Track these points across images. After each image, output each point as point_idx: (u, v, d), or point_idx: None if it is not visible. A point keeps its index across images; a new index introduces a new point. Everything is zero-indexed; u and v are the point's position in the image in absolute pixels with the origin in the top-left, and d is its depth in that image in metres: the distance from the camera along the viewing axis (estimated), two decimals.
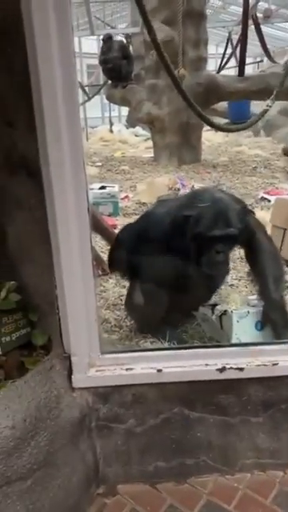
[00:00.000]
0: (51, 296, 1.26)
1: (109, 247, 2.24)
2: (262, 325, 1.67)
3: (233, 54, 8.22)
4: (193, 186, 4.18)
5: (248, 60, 7.99)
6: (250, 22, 6.61)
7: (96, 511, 1.32)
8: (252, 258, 1.79)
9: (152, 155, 6.71)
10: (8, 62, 1.09)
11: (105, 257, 2.31)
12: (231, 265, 2.10)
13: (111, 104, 9.40)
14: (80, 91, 8.03)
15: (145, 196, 4.16)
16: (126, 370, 1.33)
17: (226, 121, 7.68)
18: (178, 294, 1.76)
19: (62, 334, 1.29)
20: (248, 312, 1.67)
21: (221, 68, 8.55)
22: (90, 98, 8.41)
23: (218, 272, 1.77)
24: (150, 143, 7.05)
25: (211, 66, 8.64)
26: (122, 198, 4.18)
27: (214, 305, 1.79)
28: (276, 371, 1.33)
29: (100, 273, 2.38)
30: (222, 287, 1.98)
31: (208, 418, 1.38)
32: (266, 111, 3.69)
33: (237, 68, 6.14)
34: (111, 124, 10.27)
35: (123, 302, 2.09)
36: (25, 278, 1.30)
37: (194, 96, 3.20)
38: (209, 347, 1.51)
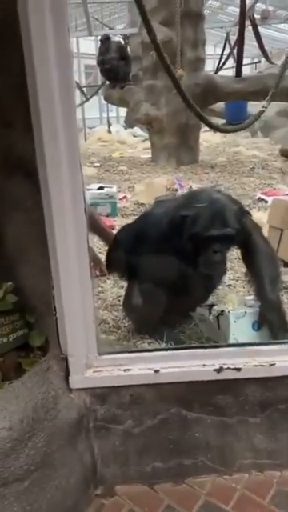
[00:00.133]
0: (48, 297, 1.26)
1: (107, 248, 2.24)
2: (259, 325, 1.67)
3: (230, 54, 8.23)
4: (191, 187, 4.18)
5: (246, 61, 8.03)
6: (248, 23, 6.64)
7: None
8: (248, 258, 1.79)
9: (150, 156, 6.71)
10: (5, 62, 1.09)
11: (103, 257, 2.31)
12: (228, 265, 2.11)
13: (109, 105, 9.42)
14: (78, 92, 8.07)
15: (143, 196, 4.17)
16: (124, 370, 1.33)
17: (224, 121, 7.70)
18: (176, 295, 1.76)
19: (59, 335, 1.29)
20: (245, 312, 1.68)
21: (219, 69, 8.57)
22: (88, 99, 8.41)
23: (215, 272, 1.78)
24: (148, 144, 7.05)
25: (209, 66, 8.66)
26: (120, 199, 4.18)
27: (212, 305, 1.80)
28: (273, 371, 1.34)
29: (98, 273, 2.38)
30: (220, 287, 1.99)
31: (206, 418, 1.38)
32: (262, 112, 3.72)
33: (235, 69, 6.15)
34: (109, 125, 10.28)
35: (121, 303, 2.09)
36: (22, 279, 1.30)
37: (192, 96, 3.20)
38: (206, 348, 1.51)
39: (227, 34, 8.59)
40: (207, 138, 8.10)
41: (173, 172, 5.60)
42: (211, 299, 1.90)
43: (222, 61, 8.62)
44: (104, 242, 2.42)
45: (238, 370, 1.32)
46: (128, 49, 7.12)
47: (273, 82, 3.97)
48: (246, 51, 7.01)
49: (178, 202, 1.80)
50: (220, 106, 7.71)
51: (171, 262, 1.75)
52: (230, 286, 2.30)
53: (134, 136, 9.71)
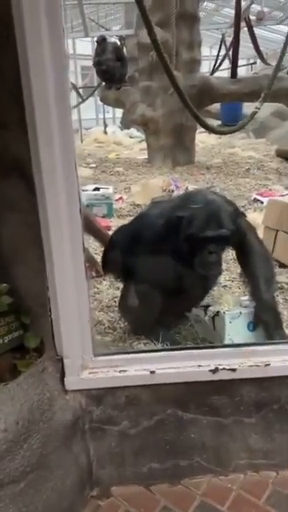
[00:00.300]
0: (43, 298, 1.26)
1: (102, 249, 2.24)
2: (254, 325, 1.68)
3: (226, 55, 8.26)
4: (187, 188, 4.19)
5: (241, 62, 8.06)
6: (243, 24, 6.67)
7: None
8: (243, 259, 1.80)
9: (146, 157, 6.72)
10: None
11: (98, 258, 2.31)
12: (224, 266, 2.11)
13: (105, 106, 9.41)
14: (74, 93, 8.07)
15: (139, 197, 4.17)
16: (120, 371, 1.33)
17: (219, 123, 7.72)
18: (172, 296, 1.76)
19: (55, 337, 1.29)
20: (240, 313, 1.68)
21: (214, 70, 8.59)
22: (84, 100, 8.41)
23: (210, 273, 1.78)
24: (145, 145, 7.06)
25: (205, 67, 8.69)
26: (117, 200, 4.18)
27: (207, 306, 1.80)
28: (268, 372, 1.34)
29: (94, 274, 2.38)
30: (215, 288, 1.99)
31: (201, 419, 1.39)
32: (254, 113, 3.75)
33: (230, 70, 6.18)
34: (105, 126, 10.27)
35: (117, 304, 2.09)
36: (17, 280, 1.30)
37: (188, 98, 3.21)
38: (202, 348, 1.52)
39: (223, 35, 8.63)
40: (203, 139, 8.11)
41: (169, 173, 5.61)
42: (207, 300, 1.91)
43: (218, 62, 8.65)
44: (100, 243, 2.42)
45: (234, 370, 1.33)
46: (124, 50, 7.12)
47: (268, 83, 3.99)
48: (242, 52, 7.04)
49: (173, 203, 1.81)
50: (216, 107, 7.74)
51: (167, 262, 1.75)
52: (225, 286, 2.31)
53: (130, 137, 9.72)
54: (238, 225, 1.70)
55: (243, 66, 10.11)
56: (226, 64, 8.23)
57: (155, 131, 6.35)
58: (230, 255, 2.29)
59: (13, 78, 1.08)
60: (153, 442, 1.39)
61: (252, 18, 7.66)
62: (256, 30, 7.64)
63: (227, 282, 2.36)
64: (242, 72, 8.24)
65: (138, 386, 1.34)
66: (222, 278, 2.28)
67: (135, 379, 1.33)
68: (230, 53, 6.63)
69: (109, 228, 2.92)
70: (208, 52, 10.65)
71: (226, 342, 1.64)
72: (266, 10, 8.51)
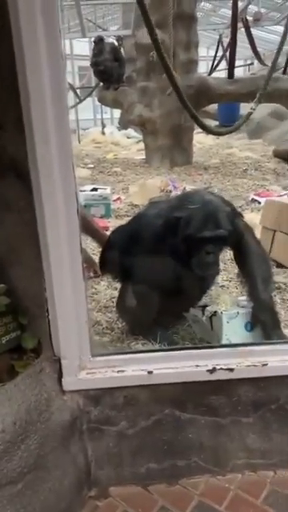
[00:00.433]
0: (41, 299, 1.26)
1: (100, 249, 2.24)
2: (251, 325, 1.68)
3: (223, 56, 8.27)
4: (184, 188, 4.19)
5: (239, 63, 8.07)
6: (241, 25, 6.68)
7: None
8: (241, 259, 1.81)
9: (144, 157, 6.72)
10: None
11: (96, 259, 2.31)
12: (221, 266, 2.12)
13: (103, 106, 9.42)
14: (72, 93, 8.07)
15: (137, 198, 4.17)
16: (117, 372, 1.33)
17: (217, 123, 7.73)
18: (169, 296, 1.76)
19: (52, 337, 1.29)
20: (238, 313, 1.68)
21: (212, 70, 8.60)
22: (81, 100, 8.41)
23: (208, 273, 1.79)
24: (142, 145, 7.06)
25: (202, 68, 8.70)
26: (114, 200, 4.18)
27: (205, 306, 1.80)
28: (265, 371, 1.34)
29: (91, 275, 2.37)
30: (213, 288, 2.00)
31: (199, 419, 1.39)
32: (250, 114, 3.76)
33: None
34: (103, 126, 10.28)
35: (115, 304, 2.09)
36: (14, 280, 1.30)
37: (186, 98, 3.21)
38: (199, 348, 1.52)
39: (220, 36, 8.64)
40: (200, 140, 8.12)
41: (166, 173, 5.62)
42: (204, 300, 1.91)
43: (215, 63, 8.66)
44: (97, 244, 2.42)
45: (231, 370, 1.33)
46: (121, 50, 7.13)
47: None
48: (239, 53, 7.07)
49: (171, 204, 1.81)
50: (213, 107, 7.75)
51: (164, 263, 1.75)
52: (222, 286, 2.31)
53: (128, 137, 9.72)
54: (236, 225, 1.70)
55: (240, 66, 10.12)
56: (224, 65, 8.24)
57: (153, 132, 6.36)
58: (227, 255, 2.30)
59: (9, 79, 1.08)
60: (151, 442, 1.39)
61: (249, 18, 7.68)
62: (253, 31, 7.66)
63: (225, 282, 2.36)
64: (239, 73, 8.27)
65: (136, 387, 1.34)
66: (220, 278, 2.28)
67: (133, 379, 1.33)
68: (228, 53, 6.64)
69: (106, 228, 2.92)
70: (205, 53, 10.66)
71: (224, 342, 1.64)
72: (263, 10, 8.53)
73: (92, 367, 1.33)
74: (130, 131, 10.12)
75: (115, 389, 1.33)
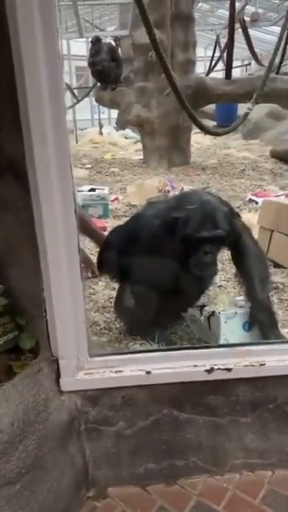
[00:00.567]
0: (38, 299, 1.26)
1: (98, 249, 2.24)
2: (249, 325, 1.69)
3: (221, 56, 8.29)
4: (182, 188, 4.20)
5: (236, 63, 8.09)
6: (238, 25, 6.69)
7: None
8: (238, 259, 1.81)
9: (142, 157, 6.72)
10: None
11: (94, 259, 2.31)
12: (219, 266, 2.12)
13: (100, 106, 9.42)
14: (69, 93, 8.07)
15: (135, 198, 4.17)
16: (115, 372, 1.33)
17: (214, 123, 7.74)
18: (167, 296, 1.76)
19: (50, 337, 1.29)
20: (235, 313, 1.69)
21: (209, 71, 8.62)
22: (79, 101, 8.41)
23: (206, 273, 1.79)
24: (140, 145, 7.06)
25: (200, 68, 8.72)
26: (112, 200, 4.18)
27: (203, 306, 1.80)
28: (263, 371, 1.34)
29: (89, 275, 2.37)
30: (210, 288, 2.00)
31: (197, 418, 1.39)
32: (247, 114, 3.77)
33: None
34: (101, 126, 10.27)
35: (113, 305, 2.09)
36: (12, 280, 1.30)
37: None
38: (197, 348, 1.52)
39: (217, 36, 8.67)
40: (198, 140, 8.13)
41: (164, 173, 5.62)
42: (202, 300, 1.91)
43: (213, 63, 8.68)
44: (95, 244, 2.41)
45: (229, 370, 1.33)
46: (119, 50, 7.14)
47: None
48: (237, 53, 7.08)
49: (169, 204, 1.81)
50: (211, 108, 7.76)
51: (162, 263, 1.75)
52: (220, 286, 2.31)
53: (126, 138, 9.72)
54: (233, 225, 1.70)
55: (238, 67, 10.14)
56: (221, 65, 8.27)
57: (150, 132, 6.36)
58: (225, 255, 2.30)
59: (7, 79, 1.08)
60: (149, 443, 1.39)
61: (246, 19, 7.71)
62: (250, 32, 7.69)
63: (222, 282, 2.36)
64: (236, 73, 8.28)
65: (134, 387, 1.34)
66: (218, 278, 2.28)
67: (131, 379, 1.33)
68: (225, 54, 6.66)
69: (104, 229, 2.91)
70: (203, 53, 10.69)
71: (222, 341, 1.64)
72: (260, 11, 8.57)
73: (90, 367, 1.33)
74: (128, 131, 10.11)
75: (113, 389, 1.33)
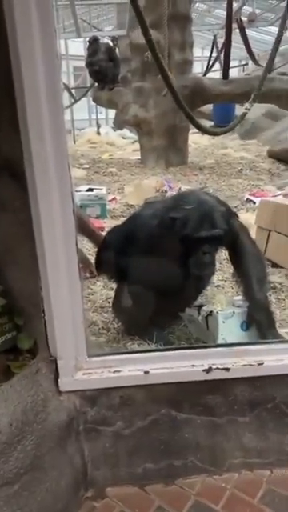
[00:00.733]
0: (37, 299, 1.25)
1: (96, 250, 2.24)
2: (247, 325, 1.69)
3: (218, 57, 8.29)
4: (180, 188, 4.20)
5: (233, 63, 8.10)
6: (235, 25, 6.71)
7: None
8: (236, 259, 1.81)
9: (139, 157, 6.73)
10: None
11: (92, 259, 2.31)
12: (217, 266, 2.12)
13: (98, 106, 9.40)
14: (67, 93, 8.05)
15: (132, 198, 4.17)
16: (114, 372, 1.33)
17: (212, 123, 7.75)
18: (165, 296, 1.76)
19: (48, 338, 1.28)
20: (233, 312, 1.69)
21: (207, 71, 8.63)
22: (76, 101, 8.39)
23: (204, 273, 1.79)
24: (138, 145, 7.06)
25: (197, 68, 8.72)
26: (110, 200, 4.18)
27: (201, 306, 1.81)
28: (261, 371, 1.35)
29: (87, 275, 2.37)
30: (208, 288, 2.00)
31: (195, 418, 1.39)
32: (245, 114, 3.77)
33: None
34: (98, 126, 10.26)
35: (111, 305, 2.08)
36: (9, 281, 1.30)
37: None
38: (195, 348, 1.52)
39: (214, 36, 8.65)
40: (196, 140, 8.14)
41: (162, 173, 5.62)
42: (200, 300, 1.91)
43: (210, 63, 8.68)
44: (93, 244, 2.41)
45: (227, 369, 1.33)
46: (116, 50, 7.13)
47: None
48: (234, 53, 7.07)
49: (166, 204, 1.81)
50: (208, 108, 7.76)
51: (160, 263, 1.75)
52: (218, 286, 2.32)
53: (123, 138, 9.72)
54: (231, 225, 1.71)
55: (235, 67, 10.17)
56: (218, 65, 8.27)
57: (148, 132, 6.36)
58: (222, 255, 2.30)
59: (4, 77, 1.08)
60: (147, 443, 1.39)
61: (244, 19, 7.71)
62: (248, 32, 7.69)
63: (220, 281, 2.37)
64: (234, 73, 8.30)
65: (132, 387, 1.34)
66: (215, 278, 2.29)
67: (129, 380, 1.33)
68: (222, 54, 6.66)
69: (102, 229, 2.91)
70: (200, 53, 10.69)
71: (220, 341, 1.65)
72: (257, 11, 8.57)
73: (88, 367, 1.33)
74: (125, 131, 10.11)
75: (111, 389, 1.33)
